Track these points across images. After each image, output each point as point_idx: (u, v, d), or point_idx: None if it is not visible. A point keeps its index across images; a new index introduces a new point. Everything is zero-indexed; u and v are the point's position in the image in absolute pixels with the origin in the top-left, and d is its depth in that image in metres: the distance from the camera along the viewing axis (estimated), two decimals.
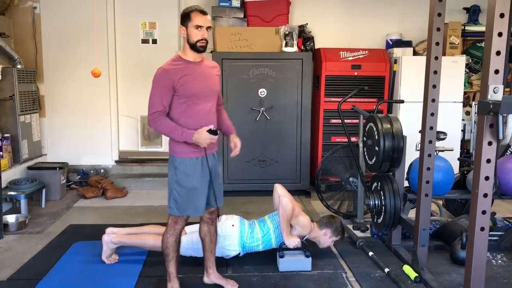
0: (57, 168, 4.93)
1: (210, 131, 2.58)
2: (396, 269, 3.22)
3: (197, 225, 3.39)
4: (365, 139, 3.70)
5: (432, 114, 2.99)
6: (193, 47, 2.61)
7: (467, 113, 5.60)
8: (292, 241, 3.22)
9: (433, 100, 2.98)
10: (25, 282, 3.00)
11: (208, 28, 2.61)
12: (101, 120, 5.68)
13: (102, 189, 5.07)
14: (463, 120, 5.40)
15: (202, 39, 2.59)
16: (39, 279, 3.02)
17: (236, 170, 5.11)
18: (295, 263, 3.22)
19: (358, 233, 3.97)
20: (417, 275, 3.04)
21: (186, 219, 2.79)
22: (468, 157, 5.20)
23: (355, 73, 5.12)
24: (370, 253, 3.45)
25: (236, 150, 2.88)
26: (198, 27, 2.57)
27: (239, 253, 3.31)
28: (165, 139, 5.83)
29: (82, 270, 3.16)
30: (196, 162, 2.66)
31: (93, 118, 5.65)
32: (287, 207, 3.18)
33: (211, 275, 2.99)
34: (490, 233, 3.11)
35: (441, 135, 3.52)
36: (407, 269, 3.16)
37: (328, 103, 5.14)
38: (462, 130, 5.36)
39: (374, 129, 3.47)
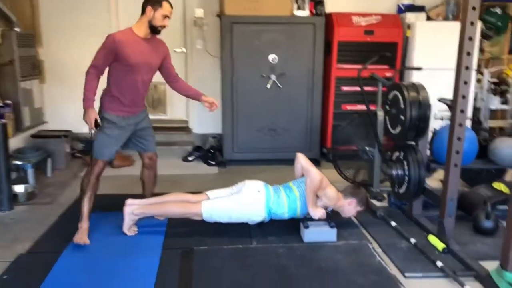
0: (62, 137, 4.77)
1: (96, 121, 3.03)
2: (421, 239, 3.19)
3: (219, 191, 3.31)
4: (387, 107, 3.61)
5: (466, 83, 2.91)
6: (154, 29, 3.04)
7: (478, 80, 5.52)
8: (318, 212, 3.16)
9: (467, 68, 2.89)
10: (46, 255, 2.89)
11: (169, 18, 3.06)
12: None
13: None
14: None
15: (164, 26, 3.05)
16: (60, 252, 2.93)
17: (246, 139, 5.01)
18: (320, 234, 3.18)
19: (375, 203, 3.93)
20: (444, 246, 3.02)
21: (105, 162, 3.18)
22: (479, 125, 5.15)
23: (368, 39, 4.98)
24: (393, 224, 3.42)
25: (213, 108, 3.33)
26: (165, 16, 3.02)
27: (264, 219, 3.23)
28: (170, 107, 5.69)
29: (103, 243, 3.07)
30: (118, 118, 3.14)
31: None
32: (316, 179, 3.12)
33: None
34: None
35: None
36: (433, 239, 3.14)
37: (340, 69, 5.01)
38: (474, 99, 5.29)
39: (400, 97, 3.38)
